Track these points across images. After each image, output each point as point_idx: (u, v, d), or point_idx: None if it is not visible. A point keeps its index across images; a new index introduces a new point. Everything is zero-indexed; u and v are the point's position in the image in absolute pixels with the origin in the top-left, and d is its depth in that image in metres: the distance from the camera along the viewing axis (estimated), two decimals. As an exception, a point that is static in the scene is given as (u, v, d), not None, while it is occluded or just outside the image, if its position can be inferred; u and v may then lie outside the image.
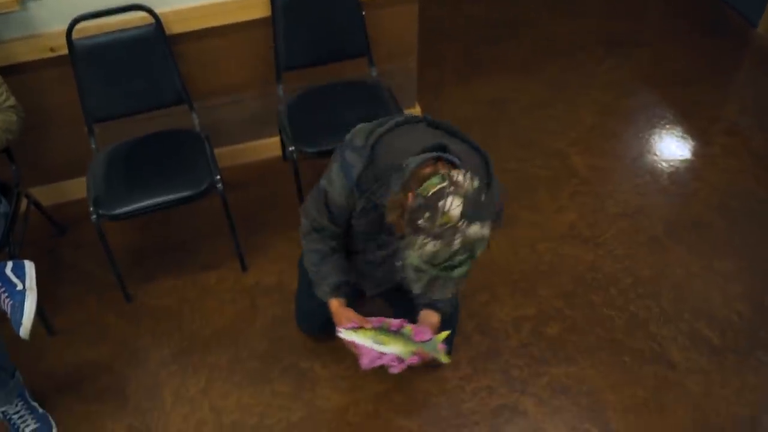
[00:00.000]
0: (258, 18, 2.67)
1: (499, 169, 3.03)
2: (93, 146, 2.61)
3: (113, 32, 2.50)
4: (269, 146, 3.15)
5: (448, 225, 1.41)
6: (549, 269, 2.73)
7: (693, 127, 3.38)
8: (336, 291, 1.93)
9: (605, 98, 3.55)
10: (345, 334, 1.80)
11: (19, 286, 2.06)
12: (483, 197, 1.45)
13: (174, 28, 2.58)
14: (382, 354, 1.78)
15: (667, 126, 3.39)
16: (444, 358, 1.83)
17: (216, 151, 2.69)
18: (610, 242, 2.83)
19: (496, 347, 2.47)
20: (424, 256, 1.43)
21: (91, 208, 2.37)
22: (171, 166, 2.50)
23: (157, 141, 2.62)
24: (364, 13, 2.72)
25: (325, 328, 2.41)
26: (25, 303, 2.03)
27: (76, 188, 2.90)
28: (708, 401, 2.32)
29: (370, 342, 1.77)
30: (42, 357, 2.48)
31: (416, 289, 1.50)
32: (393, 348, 1.78)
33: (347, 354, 2.42)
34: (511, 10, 4.21)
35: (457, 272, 1.46)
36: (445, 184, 1.43)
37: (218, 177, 2.46)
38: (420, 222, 1.43)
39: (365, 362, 1.80)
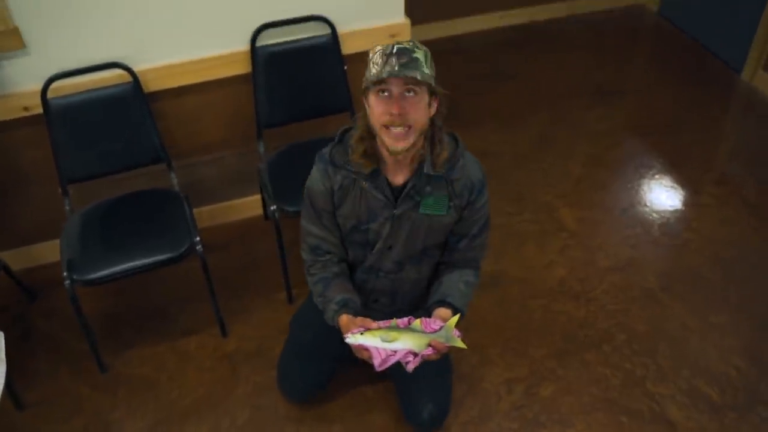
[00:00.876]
0: (238, 74, 2.72)
1: (486, 224, 3.06)
2: (67, 207, 2.60)
3: (89, 91, 2.53)
4: (250, 205, 3.17)
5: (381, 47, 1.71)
6: (540, 327, 2.73)
7: (683, 177, 3.44)
8: (343, 308, 1.94)
9: (593, 148, 3.61)
10: (352, 339, 1.78)
11: (-12, 358, 2.03)
12: None
13: (152, 85, 2.62)
14: (394, 351, 1.76)
15: (657, 176, 3.45)
16: (460, 344, 1.80)
17: (195, 210, 2.70)
18: (602, 297, 2.85)
19: (488, 411, 2.45)
20: (376, 60, 1.68)
21: (65, 273, 2.35)
22: (149, 228, 2.51)
23: (134, 202, 2.63)
24: (346, 67, 2.77)
25: (309, 392, 2.40)
26: (-6, 376, 1.99)
27: (49, 251, 2.89)
28: (710, 463, 2.31)
29: (379, 341, 1.75)
30: (11, 432, 2.43)
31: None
32: (404, 343, 1.76)
33: (334, 420, 2.40)
34: (492, 62, 4.31)
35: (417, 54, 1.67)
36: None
37: (198, 239, 2.46)
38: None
39: (377, 362, 1.77)
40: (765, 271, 2.93)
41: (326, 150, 1.92)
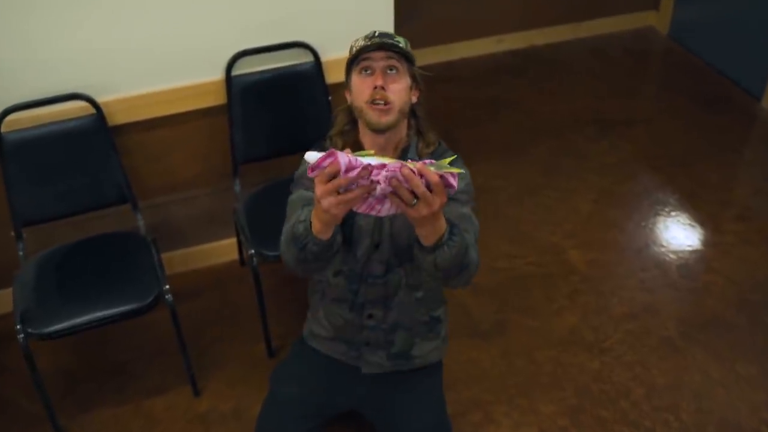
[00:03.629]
0: (212, 106, 2.75)
1: (487, 267, 3.10)
2: (21, 253, 2.60)
3: (48, 124, 2.54)
4: (225, 249, 3.17)
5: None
6: (550, 381, 2.73)
7: (701, 213, 3.48)
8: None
9: (602, 183, 3.65)
10: (312, 154, 1.49)
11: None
12: None
13: (117, 118, 2.64)
14: (367, 165, 1.48)
15: (673, 213, 3.48)
16: (455, 169, 1.55)
17: (164, 255, 2.70)
18: (617, 347, 2.85)
19: (494, 476, 2.43)
20: (358, 43, 1.86)
21: (18, 326, 2.33)
22: (112, 276, 2.50)
23: (95, 246, 2.62)
24: (330, 97, 2.81)
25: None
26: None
27: (0, 302, 2.87)
28: None
29: (349, 157, 1.49)
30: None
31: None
32: (380, 159, 1.51)
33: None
34: (489, 90, 4.37)
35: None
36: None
37: (166, 287, 2.46)
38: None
39: (344, 166, 1.47)
40: (795, 316, 2.95)
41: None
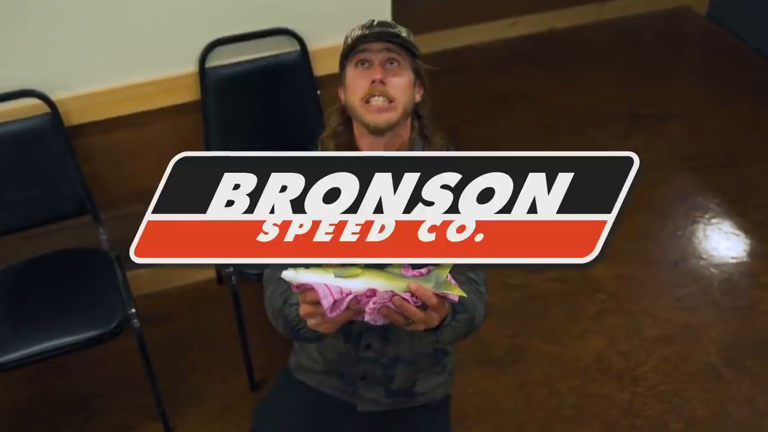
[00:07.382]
0: (184, 102, 2.75)
1: (501, 285, 3.10)
2: (-35, 274, 2.61)
3: (-5, 126, 2.55)
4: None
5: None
6: (573, 415, 2.73)
7: (746, 220, 3.48)
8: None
9: (631, 187, 3.65)
10: (291, 273, 1.49)
11: None
12: None
13: (75, 117, 2.64)
14: (350, 291, 1.49)
15: (714, 219, 3.49)
16: (457, 291, 1.55)
17: (130, 274, 2.69)
18: (650, 375, 2.85)
19: None
20: (354, 34, 1.88)
21: (-38, 358, 2.34)
22: (70, 298, 2.50)
23: (51, 264, 2.62)
24: (319, 92, 2.81)
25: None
26: None
27: (-58, 330, 2.87)
28: None
29: (331, 277, 1.50)
30: None
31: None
32: (368, 280, 1.50)
33: None
34: (504, 82, 4.38)
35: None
36: None
37: (133, 311, 2.46)
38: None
39: (327, 305, 1.50)
40: None
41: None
